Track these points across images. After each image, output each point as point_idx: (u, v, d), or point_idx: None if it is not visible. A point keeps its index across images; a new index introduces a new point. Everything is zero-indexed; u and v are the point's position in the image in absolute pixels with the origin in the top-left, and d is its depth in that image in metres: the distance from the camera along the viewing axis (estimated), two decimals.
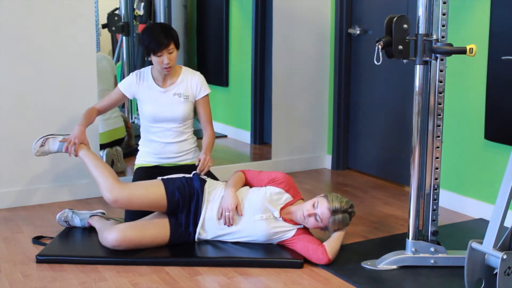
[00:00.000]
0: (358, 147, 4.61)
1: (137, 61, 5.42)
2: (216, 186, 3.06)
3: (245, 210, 2.96)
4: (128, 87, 3.29)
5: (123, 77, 5.37)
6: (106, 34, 5.61)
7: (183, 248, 2.95)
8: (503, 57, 3.17)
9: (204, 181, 3.05)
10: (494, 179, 3.37)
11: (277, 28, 4.46)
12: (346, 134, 4.66)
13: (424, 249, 2.81)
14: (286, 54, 4.51)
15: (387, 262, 2.80)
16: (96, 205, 3.70)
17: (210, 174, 3.23)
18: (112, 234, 2.87)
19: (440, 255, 2.80)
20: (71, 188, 3.83)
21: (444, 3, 2.68)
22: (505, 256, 2.22)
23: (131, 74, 3.33)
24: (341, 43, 4.53)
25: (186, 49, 5.98)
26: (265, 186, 3.07)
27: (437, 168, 2.80)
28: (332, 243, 2.85)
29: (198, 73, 3.35)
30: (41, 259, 2.84)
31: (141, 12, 5.40)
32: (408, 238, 2.82)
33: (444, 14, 2.68)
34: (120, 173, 4.28)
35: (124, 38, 5.44)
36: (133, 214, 3.06)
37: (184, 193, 2.97)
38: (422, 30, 2.67)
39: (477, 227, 3.41)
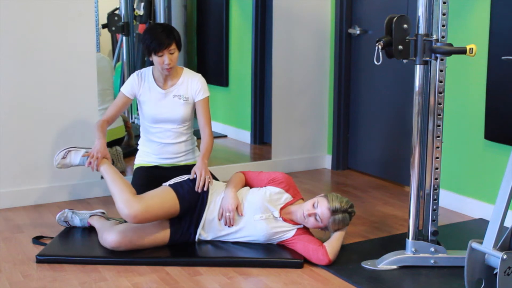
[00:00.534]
0: (358, 147, 4.60)
1: (137, 61, 5.42)
2: (218, 188, 3.06)
3: (245, 210, 2.96)
4: (130, 88, 3.28)
5: (123, 77, 5.39)
6: (106, 34, 5.60)
7: (183, 248, 2.95)
8: (503, 57, 3.17)
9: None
10: (494, 179, 3.37)
11: (277, 28, 4.46)
12: (346, 134, 4.66)
13: (424, 249, 2.81)
14: (286, 54, 4.50)
15: (387, 262, 2.80)
16: (96, 205, 3.70)
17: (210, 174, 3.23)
18: (111, 236, 2.87)
19: (440, 255, 2.80)
20: (71, 188, 3.83)
21: (444, 3, 2.68)
22: (505, 256, 2.22)
23: (132, 75, 3.32)
24: (341, 43, 4.53)
25: (186, 49, 5.98)
26: (265, 186, 3.07)
27: (437, 168, 2.80)
28: (333, 244, 2.85)
29: (199, 75, 3.34)
30: (41, 259, 2.84)
31: (141, 12, 5.39)
32: (408, 238, 2.82)
33: (444, 14, 2.68)
34: (120, 172, 4.27)
35: (124, 38, 5.44)
36: None
37: (193, 196, 2.96)
38: (422, 30, 2.67)
39: (477, 227, 3.41)
